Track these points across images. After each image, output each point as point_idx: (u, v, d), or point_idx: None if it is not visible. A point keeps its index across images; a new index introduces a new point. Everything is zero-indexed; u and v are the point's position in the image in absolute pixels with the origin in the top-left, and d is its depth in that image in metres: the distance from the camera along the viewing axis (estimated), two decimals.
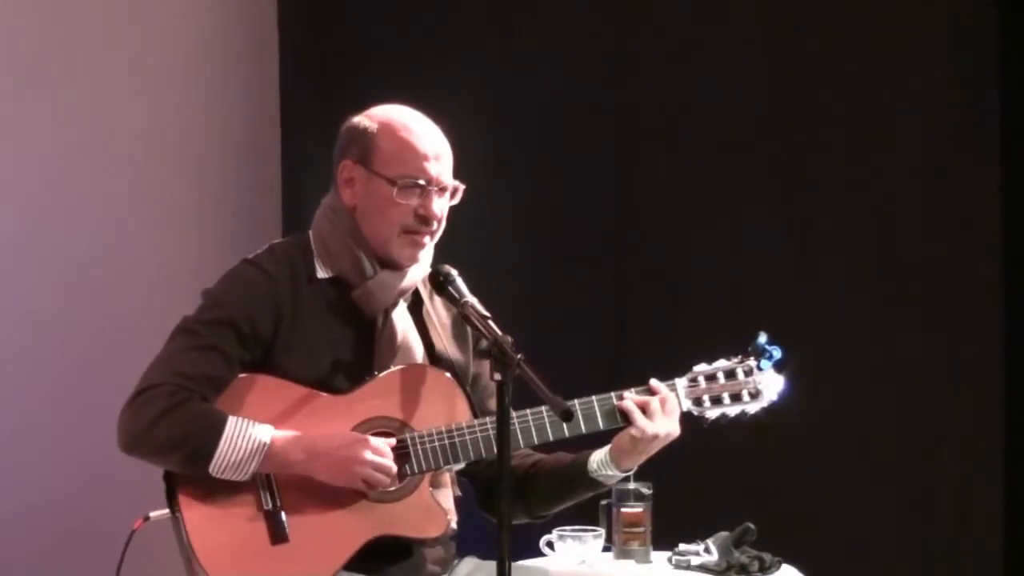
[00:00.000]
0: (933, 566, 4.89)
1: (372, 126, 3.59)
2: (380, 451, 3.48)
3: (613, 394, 3.62)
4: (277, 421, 3.48)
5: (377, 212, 3.57)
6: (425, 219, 3.57)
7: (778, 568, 4.04)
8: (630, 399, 3.59)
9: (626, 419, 3.59)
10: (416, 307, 3.68)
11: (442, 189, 3.58)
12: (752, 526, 4.06)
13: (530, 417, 3.57)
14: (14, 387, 4.77)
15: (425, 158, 3.57)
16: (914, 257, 4.91)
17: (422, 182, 3.56)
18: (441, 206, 3.58)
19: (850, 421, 4.92)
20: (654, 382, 3.63)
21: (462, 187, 3.61)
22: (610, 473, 3.63)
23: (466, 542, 3.68)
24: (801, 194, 4.98)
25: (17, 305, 4.78)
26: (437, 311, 3.71)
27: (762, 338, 3.72)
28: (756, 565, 4.01)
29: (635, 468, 3.66)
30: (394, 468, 3.49)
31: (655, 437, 3.57)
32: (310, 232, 3.65)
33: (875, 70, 4.92)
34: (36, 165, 4.84)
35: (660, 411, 3.58)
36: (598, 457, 3.63)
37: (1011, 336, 4.85)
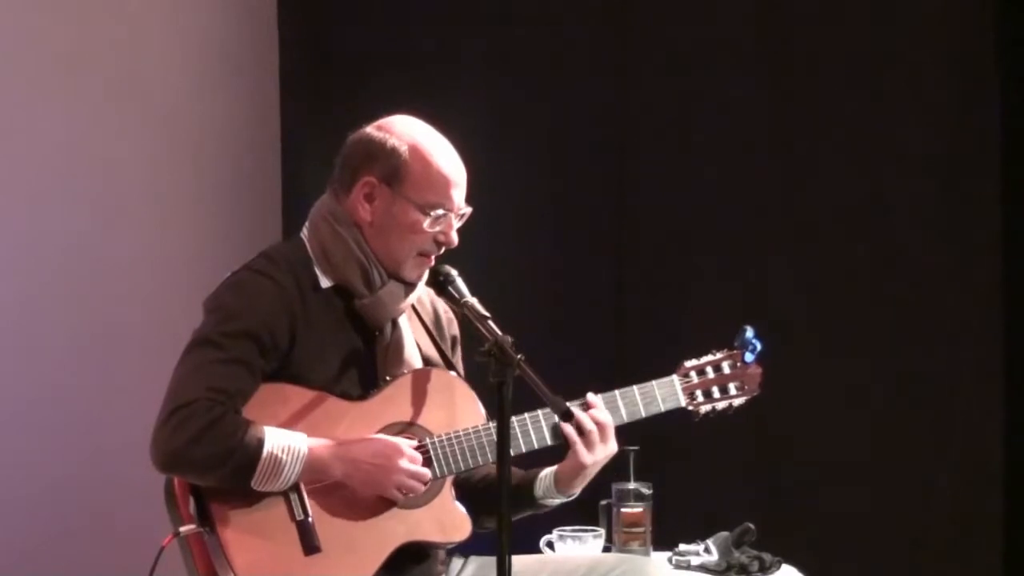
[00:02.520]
0: (933, 566, 4.89)
1: (401, 147, 3.56)
2: (414, 458, 3.50)
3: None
4: (301, 428, 3.48)
5: (397, 234, 3.57)
6: (443, 245, 3.59)
7: (778, 568, 4.04)
8: (569, 426, 3.57)
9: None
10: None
11: (459, 215, 3.61)
12: (752, 526, 4.06)
13: (541, 419, 3.59)
14: (15, 390, 4.76)
15: (454, 186, 3.58)
16: (914, 258, 4.91)
17: (448, 211, 3.57)
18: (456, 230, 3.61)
19: (850, 421, 4.92)
20: (591, 396, 3.64)
21: (470, 211, 3.63)
22: (555, 500, 3.68)
23: None
24: (801, 195, 4.98)
25: (18, 306, 4.78)
26: (419, 312, 3.72)
27: (748, 332, 3.75)
28: (756, 565, 4.01)
29: (578, 492, 3.68)
30: (428, 475, 3.51)
31: (594, 464, 3.61)
32: (305, 238, 3.63)
33: (875, 72, 4.92)
34: (36, 165, 4.84)
35: (598, 442, 3.60)
36: (544, 483, 3.66)
37: (1011, 337, 4.85)
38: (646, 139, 5.09)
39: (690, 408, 3.73)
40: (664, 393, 3.70)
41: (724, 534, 4.06)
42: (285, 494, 3.46)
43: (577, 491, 3.67)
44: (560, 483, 3.64)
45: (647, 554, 4.02)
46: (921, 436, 4.89)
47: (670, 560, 4.03)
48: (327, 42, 5.22)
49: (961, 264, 4.88)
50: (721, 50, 5.01)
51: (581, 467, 3.59)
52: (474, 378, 3.67)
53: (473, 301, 3.50)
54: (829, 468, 4.92)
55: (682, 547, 4.06)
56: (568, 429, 3.58)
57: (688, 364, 3.75)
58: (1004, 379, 4.86)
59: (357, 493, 3.49)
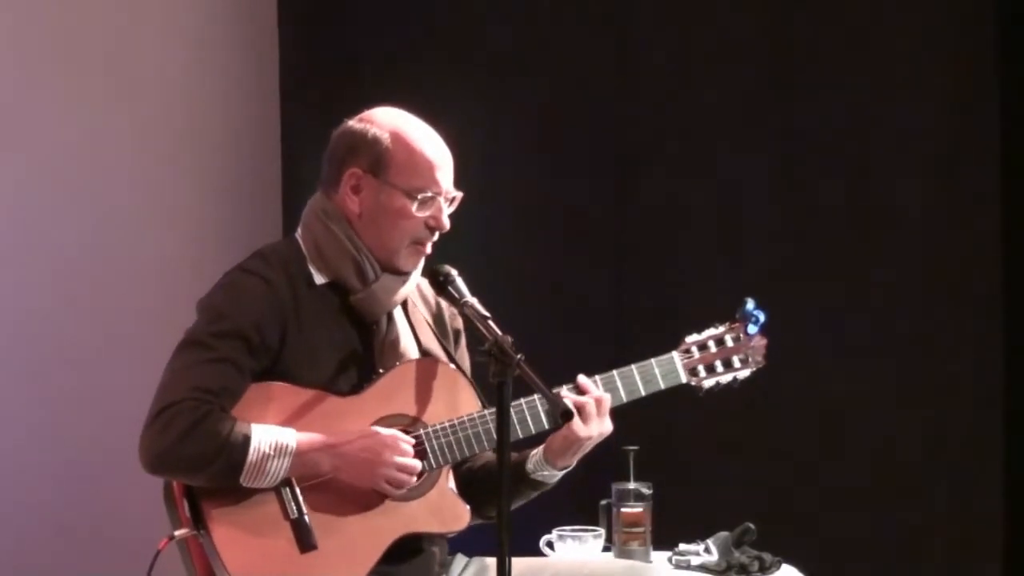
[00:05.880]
0: (933, 566, 4.89)
1: (383, 135, 3.57)
2: (405, 451, 3.49)
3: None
4: (295, 426, 3.48)
5: (388, 223, 3.57)
6: (435, 230, 3.59)
7: (778, 568, 4.04)
8: (567, 400, 3.53)
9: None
10: (403, 305, 3.69)
11: (448, 199, 3.60)
12: (752, 526, 4.06)
13: (538, 404, 3.57)
14: (16, 392, 4.76)
15: (439, 169, 3.58)
16: (914, 257, 4.91)
17: (436, 195, 3.57)
18: (447, 215, 3.60)
19: (850, 421, 4.92)
20: (582, 379, 3.62)
21: (460, 195, 3.63)
22: (547, 473, 3.64)
23: (454, 540, 3.68)
24: (801, 193, 4.98)
25: (16, 306, 4.78)
26: (419, 307, 3.72)
27: (749, 304, 3.75)
28: (756, 565, 4.01)
29: (573, 465, 3.65)
30: (418, 466, 3.51)
31: (588, 439, 3.58)
32: (298, 236, 3.64)
33: (875, 72, 4.92)
34: (36, 165, 4.84)
35: (595, 414, 3.58)
36: (535, 458, 3.64)
37: (1011, 336, 4.85)
38: (646, 136, 5.09)
39: (692, 384, 3.71)
40: (664, 370, 3.68)
41: (724, 534, 4.06)
42: (278, 492, 3.46)
43: (571, 463, 3.64)
44: (551, 454, 3.61)
45: (647, 554, 4.02)
46: (921, 435, 4.90)
47: (670, 560, 4.03)
48: (327, 42, 5.22)
49: (961, 264, 4.88)
50: (721, 49, 5.01)
51: (574, 440, 3.57)
52: (475, 376, 3.67)
53: (473, 301, 3.50)
54: (829, 468, 4.92)
55: (682, 547, 4.06)
56: (565, 403, 3.55)
57: (689, 339, 3.72)
58: (1004, 378, 4.86)
59: (350, 488, 3.49)
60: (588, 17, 5.10)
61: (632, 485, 4.02)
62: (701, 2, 5.04)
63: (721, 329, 3.75)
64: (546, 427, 3.59)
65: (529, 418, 3.58)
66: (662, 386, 3.69)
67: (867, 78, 4.92)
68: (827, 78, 4.95)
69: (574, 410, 3.45)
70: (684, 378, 3.70)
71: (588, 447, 3.61)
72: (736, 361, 3.74)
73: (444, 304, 3.74)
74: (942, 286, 4.89)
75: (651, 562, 3.99)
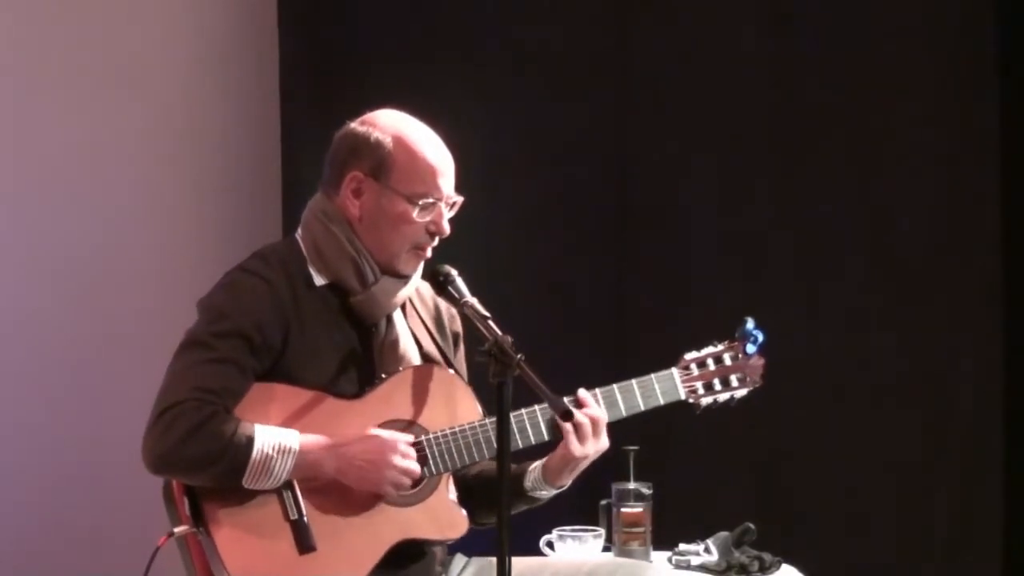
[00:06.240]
0: (933, 566, 4.89)
1: (385, 139, 3.57)
2: (405, 453, 3.49)
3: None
4: (296, 427, 3.48)
5: (389, 227, 3.57)
6: (435, 234, 3.59)
7: (778, 568, 4.04)
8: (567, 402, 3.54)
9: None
10: (402, 307, 3.69)
11: (449, 204, 3.60)
12: (752, 526, 4.06)
13: (538, 415, 3.57)
14: (15, 391, 4.76)
15: (441, 175, 3.58)
16: (914, 257, 4.91)
17: (437, 200, 3.57)
18: (448, 220, 3.60)
19: (850, 420, 4.92)
20: (582, 393, 3.63)
21: (461, 200, 3.63)
22: (544, 492, 3.66)
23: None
24: (801, 193, 4.98)
25: (17, 306, 4.78)
26: (418, 310, 3.72)
27: (749, 323, 3.75)
28: (756, 565, 4.01)
29: (568, 484, 3.66)
30: (418, 469, 3.50)
31: (584, 457, 3.60)
32: (299, 237, 3.63)
33: (876, 70, 4.93)
34: (36, 164, 4.84)
35: (591, 434, 3.59)
36: (533, 475, 3.65)
37: (1011, 336, 4.85)
38: (646, 136, 5.09)
39: (691, 401, 3.72)
40: (663, 387, 3.69)
41: (724, 534, 4.06)
42: (279, 493, 3.46)
43: (567, 483, 3.65)
44: (549, 474, 3.63)
45: (647, 554, 4.02)
46: (921, 435, 4.90)
47: (670, 560, 4.03)
48: (327, 42, 5.22)
49: (961, 264, 4.88)
50: (721, 49, 5.01)
51: (572, 459, 3.58)
52: (474, 378, 3.67)
53: (473, 301, 3.50)
54: (829, 468, 4.92)
55: (682, 547, 4.06)
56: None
57: (688, 357, 3.73)
58: (1004, 378, 4.86)
59: (351, 491, 3.49)
60: (589, 17, 5.10)
61: (632, 485, 4.02)
62: (702, 2, 5.04)
63: (720, 347, 3.76)
64: (545, 438, 3.60)
65: (529, 428, 3.58)
66: (661, 402, 3.71)
67: (867, 78, 4.92)
68: (828, 78, 4.95)
69: (574, 409, 3.47)
70: (683, 395, 3.72)
71: (584, 465, 3.62)
72: (734, 380, 3.75)
73: (443, 307, 3.74)
74: (942, 286, 4.89)
75: (651, 562, 3.99)
